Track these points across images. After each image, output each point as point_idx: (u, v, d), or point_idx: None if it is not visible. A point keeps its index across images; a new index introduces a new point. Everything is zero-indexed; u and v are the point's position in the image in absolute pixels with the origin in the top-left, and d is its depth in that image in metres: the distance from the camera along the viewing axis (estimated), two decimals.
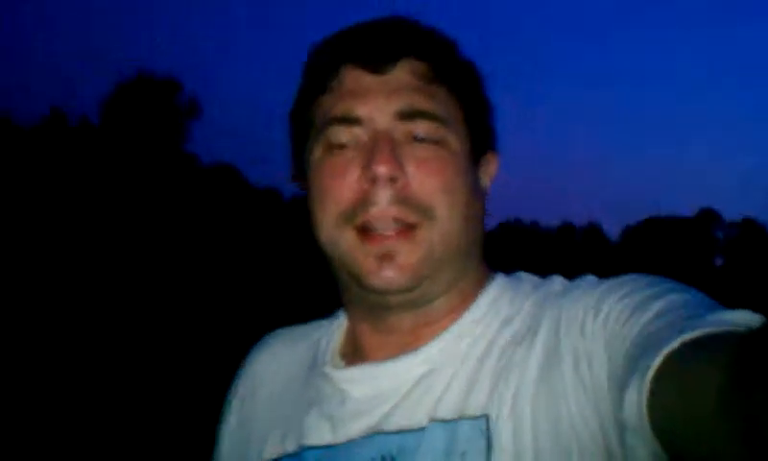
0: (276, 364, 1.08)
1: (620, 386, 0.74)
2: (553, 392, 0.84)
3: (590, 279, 0.93)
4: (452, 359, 0.92)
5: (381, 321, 0.96)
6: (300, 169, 1.01)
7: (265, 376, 1.08)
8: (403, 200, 0.89)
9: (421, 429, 0.88)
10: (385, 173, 0.89)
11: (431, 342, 0.93)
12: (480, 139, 0.99)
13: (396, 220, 0.89)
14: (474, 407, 0.87)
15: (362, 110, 0.92)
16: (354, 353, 1.00)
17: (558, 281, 0.96)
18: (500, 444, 0.83)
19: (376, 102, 0.92)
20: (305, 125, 0.98)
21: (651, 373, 0.68)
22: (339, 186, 0.92)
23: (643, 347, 0.74)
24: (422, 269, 0.90)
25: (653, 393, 0.68)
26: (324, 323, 1.10)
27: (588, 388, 0.81)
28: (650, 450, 0.71)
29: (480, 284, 0.99)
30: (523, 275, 1.01)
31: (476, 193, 0.96)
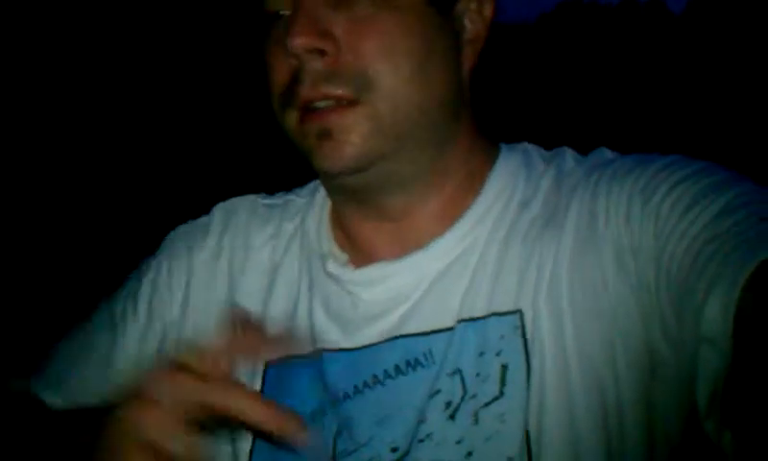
0: (255, 237, 0.91)
1: (689, 289, 0.65)
2: (592, 283, 0.73)
3: (608, 154, 0.82)
4: (472, 250, 0.79)
5: (363, 206, 0.83)
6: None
7: (245, 259, 0.90)
8: (332, 74, 0.75)
9: (449, 330, 0.77)
10: (300, 46, 0.74)
11: (445, 234, 0.81)
12: None
13: (329, 97, 0.76)
14: (504, 302, 0.76)
15: None
16: (353, 245, 0.85)
17: (569, 156, 0.83)
18: (540, 341, 0.73)
19: None
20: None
21: (742, 282, 0.59)
22: (274, 65, 0.79)
23: (717, 248, 0.64)
24: (369, 145, 0.76)
25: (743, 304, 0.59)
26: (297, 198, 0.93)
27: (632, 283, 0.71)
28: (726, 363, 0.60)
29: (485, 162, 0.84)
30: (529, 147, 0.87)
31: (443, 51, 0.79)
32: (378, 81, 0.76)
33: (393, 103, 0.76)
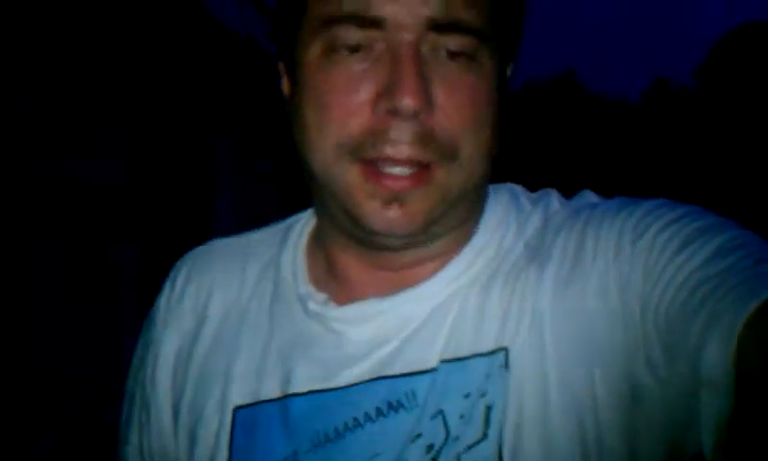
0: (221, 287, 0.85)
1: (682, 328, 0.63)
2: (575, 312, 0.71)
3: (592, 197, 0.80)
4: (459, 293, 0.76)
5: (372, 257, 0.78)
6: (287, 62, 0.78)
7: (212, 298, 0.85)
8: (426, 139, 0.70)
9: (432, 371, 0.73)
10: (411, 107, 0.68)
11: (434, 277, 0.77)
12: (511, 48, 0.78)
13: (413, 162, 0.71)
14: (489, 341, 0.73)
15: (387, 10, 0.69)
16: (337, 284, 0.80)
17: (555, 198, 0.81)
18: (522, 375, 0.70)
19: (407, 1, 0.69)
20: (300, 4, 0.74)
21: (742, 322, 0.57)
22: (345, 108, 0.71)
23: (713, 288, 0.62)
24: (434, 214, 0.73)
25: (744, 345, 0.57)
26: (269, 237, 0.88)
27: (616, 316, 0.69)
28: (730, 408, 0.58)
29: (478, 207, 0.80)
30: (516, 188, 0.84)
31: (500, 115, 0.76)
32: (462, 150, 0.72)
33: (468, 173, 0.73)
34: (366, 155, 0.71)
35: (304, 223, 0.86)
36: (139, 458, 0.87)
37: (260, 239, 0.88)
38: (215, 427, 0.79)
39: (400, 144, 0.70)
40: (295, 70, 0.75)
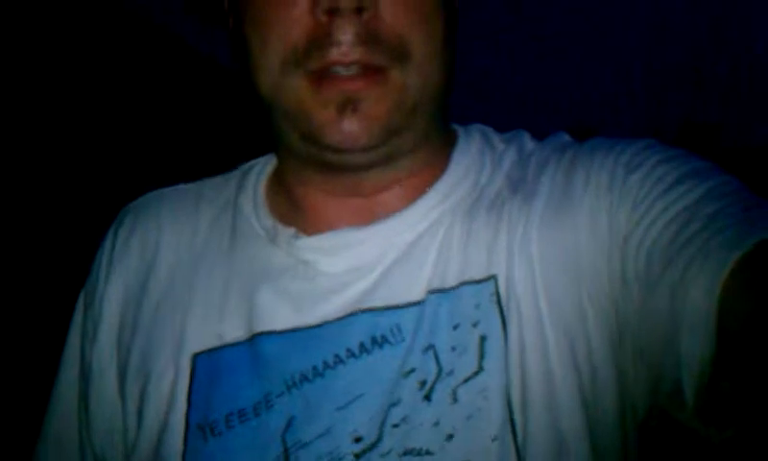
0: (170, 232, 0.79)
1: (665, 265, 0.61)
2: (563, 242, 0.68)
3: (567, 137, 0.78)
4: (439, 224, 0.73)
5: (335, 183, 0.74)
6: None
7: (160, 247, 0.79)
8: (372, 37, 0.67)
9: (419, 303, 0.69)
10: (350, 2, 0.66)
11: (411, 206, 0.73)
12: None
13: (362, 64, 0.67)
14: (477, 270, 0.69)
15: None
16: (305, 218, 0.75)
17: (528, 138, 0.79)
18: (515, 305, 0.67)
19: None
20: None
21: (729, 266, 0.56)
22: (285, 19, 0.68)
23: (699, 229, 0.60)
24: (393, 121, 0.69)
25: (729, 289, 0.56)
26: (223, 182, 0.82)
27: (603, 244, 0.67)
28: (712, 354, 0.57)
29: (447, 140, 0.78)
30: (486, 128, 0.81)
31: (452, 20, 0.74)
32: (412, 51, 0.68)
33: (422, 75, 0.69)
34: (312, 65, 0.67)
35: (262, 165, 0.81)
36: (78, 451, 0.79)
37: (214, 184, 0.82)
38: (170, 378, 0.71)
39: (345, 45, 0.66)
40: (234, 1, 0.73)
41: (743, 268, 0.55)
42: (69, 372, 0.80)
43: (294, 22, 0.67)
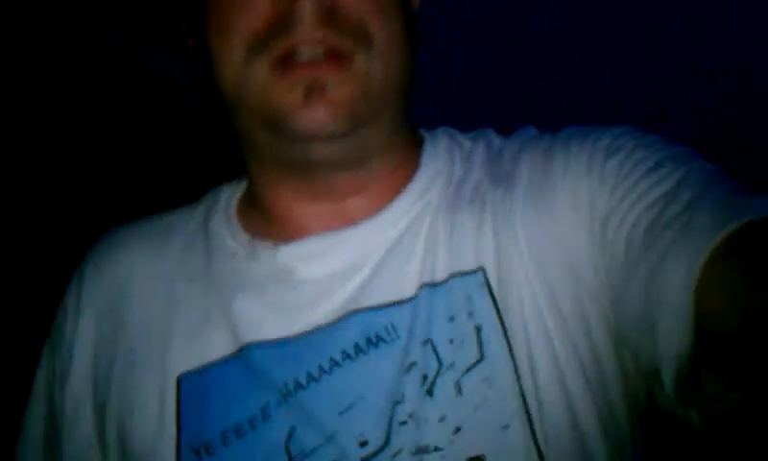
0: (141, 264, 0.77)
1: (645, 247, 0.61)
2: (548, 226, 0.69)
3: (534, 130, 0.78)
4: (420, 220, 0.72)
5: (307, 184, 0.73)
6: (187, 14, 0.75)
7: (132, 279, 0.77)
8: (333, 18, 0.66)
9: (411, 299, 0.68)
10: None
11: (388, 207, 0.73)
12: None
13: (324, 45, 0.67)
14: (465, 262, 0.69)
15: None
16: (279, 228, 0.74)
17: (493, 134, 0.80)
18: (508, 294, 0.67)
19: None
20: None
21: (708, 250, 0.55)
22: (247, 7, 0.67)
23: (678, 212, 0.60)
24: (359, 107, 0.68)
25: (709, 273, 0.55)
26: (190, 211, 0.81)
27: (585, 226, 0.68)
28: (691, 340, 0.56)
29: (415, 141, 0.79)
30: (451, 129, 0.82)
31: (411, 19, 0.74)
32: (375, 36, 0.68)
33: (384, 63, 0.69)
34: (275, 49, 0.67)
35: (230, 190, 0.81)
36: None
37: (181, 213, 0.82)
38: (155, 405, 0.70)
39: (308, 23, 0.66)
40: (194, 7, 0.73)
41: (722, 252, 0.55)
42: (35, 413, 0.79)
43: (256, 9, 0.67)
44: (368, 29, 0.68)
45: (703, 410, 0.58)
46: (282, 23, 0.66)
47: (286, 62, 0.67)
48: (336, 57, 0.67)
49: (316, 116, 0.67)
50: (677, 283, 0.56)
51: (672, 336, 0.57)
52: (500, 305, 0.67)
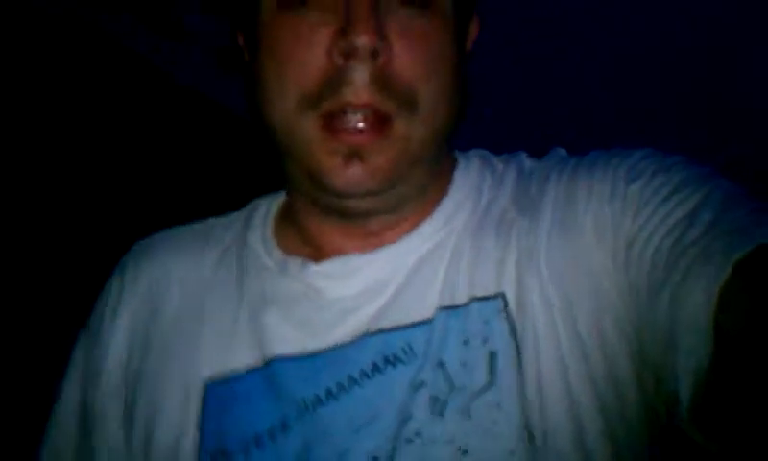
0: (177, 271, 0.80)
1: (667, 269, 0.62)
2: (575, 260, 0.69)
3: (564, 151, 0.79)
4: (446, 243, 0.74)
5: (344, 222, 0.75)
6: (245, 27, 0.76)
7: (169, 284, 0.79)
8: (383, 82, 0.68)
9: (428, 321, 0.70)
10: (367, 44, 0.66)
11: (419, 227, 0.75)
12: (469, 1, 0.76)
13: (370, 108, 0.68)
14: (486, 287, 0.70)
15: None
16: (312, 250, 0.77)
17: (525, 157, 0.80)
18: (527, 321, 0.68)
19: None
20: None
21: (729, 267, 0.56)
22: (302, 60, 0.68)
23: (701, 234, 0.61)
24: (395, 171, 0.70)
25: (730, 290, 0.56)
26: (229, 222, 0.84)
27: (611, 257, 0.68)
28: (711, 355, 0.57)
29: (449, 165, 0.80)
30: (485, 151, 0.83)
31: (461, 70, 0.75)
32: (420, 99, 0.69)
33: (429, 126, 0.70)
34: (324, 106, 0.68)
35: (269, 204, 0.83)
36: None
37: (221, 223, 0.84)
38: (179, 408, 0.72)
39: (358, 87, 0.67)
40: (251, 33, 0.74)
41: (742, 273, 0.55)
42: (65, 408, 0.80)
43: (311, 64, 0.68)
44: (415, 93, 0.69)
45: (719, 434, 0.57)
46: (335, 81, 0.68)
47: (332, 125, 0.68)
48: (377, 125, 0.68)
49: (353, 178, 0.69)
50: (698, 302, 0.57)
51: (691, 351, 0.57)
52: (518, 332, 0.68)
